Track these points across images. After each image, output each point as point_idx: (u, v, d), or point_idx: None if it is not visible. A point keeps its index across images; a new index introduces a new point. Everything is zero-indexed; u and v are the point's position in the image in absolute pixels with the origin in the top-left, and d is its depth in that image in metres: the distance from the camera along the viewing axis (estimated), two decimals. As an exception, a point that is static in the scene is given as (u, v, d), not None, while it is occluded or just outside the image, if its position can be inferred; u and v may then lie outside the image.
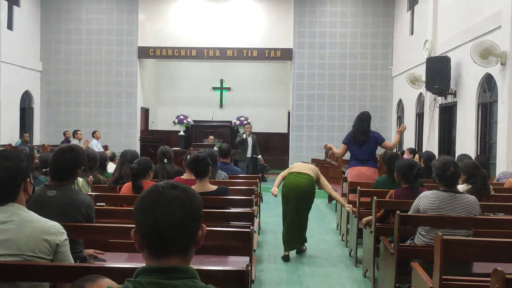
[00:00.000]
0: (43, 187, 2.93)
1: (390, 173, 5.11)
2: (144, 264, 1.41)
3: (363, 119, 6.62)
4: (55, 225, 2.21)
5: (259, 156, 11.60)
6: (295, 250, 5.90)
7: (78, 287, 1.92)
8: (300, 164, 5.88)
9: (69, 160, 2.92)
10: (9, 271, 2.08)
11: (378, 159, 7.65)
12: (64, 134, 13.56)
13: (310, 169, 5.71)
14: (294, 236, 5.71)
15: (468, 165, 4.61)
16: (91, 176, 4.88)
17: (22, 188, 2.21)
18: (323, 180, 5.82)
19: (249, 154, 11.33)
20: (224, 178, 5.90)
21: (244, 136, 11.42)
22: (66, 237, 2.24)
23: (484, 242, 3.03)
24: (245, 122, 15.37)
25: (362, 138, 6.51)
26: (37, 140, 14.82)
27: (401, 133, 6.73)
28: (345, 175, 7.44)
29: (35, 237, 2.13)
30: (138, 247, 1.40)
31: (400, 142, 12.60)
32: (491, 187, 4.77)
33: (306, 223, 5.81)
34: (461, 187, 4.59)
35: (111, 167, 6.24)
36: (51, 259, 2.17)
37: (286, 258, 5.66)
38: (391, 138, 13.84)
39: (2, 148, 2.53)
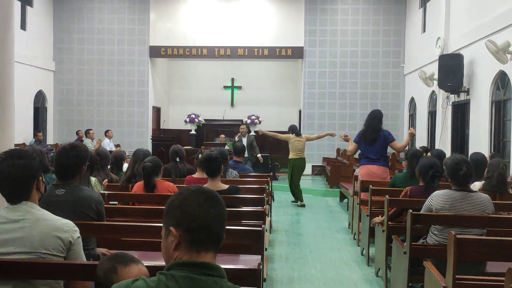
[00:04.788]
0: (52, 187, 2.97)
1: (410, 169, 5.11)
2: (153, 262, 1.44)
3: (374, 117, 6.55)
4: (68, 223, 2.24)
5: (258, 155, 11.37)
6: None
7: (109, 266, 1.88)
8: (295, 144, 9.19)
9: (72, 158, 2.94)
10: (23, 269, 2.10)
11: (390, 157, 7.58)
12: (77, 133, 13.68)
13: (303, 148, 9.31)
14: (295, 191, 9.44)
15: (490, 162, 4.62)
16: (106, 179, 4.90)
17: (35, 187, 2.24)
18: (310, 136, 9.90)
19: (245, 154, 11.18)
20: (235, 177, 5.91)
21: (236, 138, 11.31)
22: (79, 235, 2.26)
23: (497, 241, 3.00)
24: (256, 120, 15.33)
25: (372, 136, 6.43)
26: (50, 139, 14.97)
27: (412, 136, 6.66)
28: (355, 174, 7.39)
29: (48, 235, 2.16)
30: (176, 244, 1.43)
31: (413, 140, 12.49)
32: (509, 188, 4.70)
33: (299, 184, 9.50)
34: (477, 184, 4.56)
35: (126, 166, 6.28)
36: (64, 257, 2.20)
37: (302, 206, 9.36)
38: (403, 137, 13.74)
39: (15, 147, 2.56)
